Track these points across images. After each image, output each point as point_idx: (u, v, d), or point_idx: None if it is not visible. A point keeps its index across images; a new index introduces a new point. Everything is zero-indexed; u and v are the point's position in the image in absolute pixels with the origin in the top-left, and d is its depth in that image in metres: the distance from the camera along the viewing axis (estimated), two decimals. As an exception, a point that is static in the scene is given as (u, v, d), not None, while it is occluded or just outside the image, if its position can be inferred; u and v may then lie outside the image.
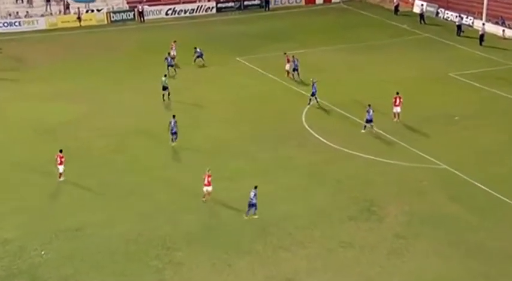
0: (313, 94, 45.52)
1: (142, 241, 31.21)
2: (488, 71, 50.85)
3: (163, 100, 46.53)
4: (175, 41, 54.06)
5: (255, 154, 39.53)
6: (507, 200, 34.15)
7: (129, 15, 67.71)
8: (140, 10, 67.50)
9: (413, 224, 32.43)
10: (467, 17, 63.08)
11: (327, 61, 54.83)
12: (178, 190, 35.56)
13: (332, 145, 40.41)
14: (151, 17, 68.00)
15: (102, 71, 53.18)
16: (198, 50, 53.23)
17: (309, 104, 44.93)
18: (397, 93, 42.85)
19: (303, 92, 48.20)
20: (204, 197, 34.19)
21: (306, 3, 72.98)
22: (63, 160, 36.13)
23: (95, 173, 37.17)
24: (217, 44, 59.34)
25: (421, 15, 65.38)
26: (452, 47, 58.15)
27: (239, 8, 71.09)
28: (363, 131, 42.12)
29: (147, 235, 31.68)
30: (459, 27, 61.41)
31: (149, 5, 68.56)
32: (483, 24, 59.72)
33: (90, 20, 66.41)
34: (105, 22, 66.69)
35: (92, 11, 67.24)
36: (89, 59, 55.67)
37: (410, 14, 67.61)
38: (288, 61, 50.75)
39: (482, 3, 62.29)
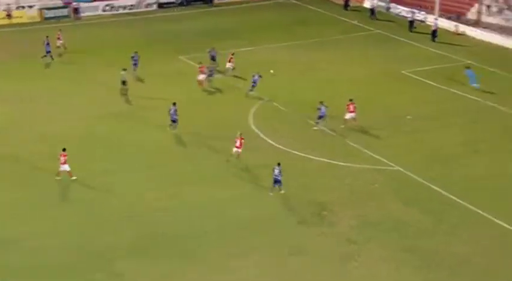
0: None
1: (82, 253, 31.14)
2: (441, 68, 51.93)
3: (122, 95, 47.50)
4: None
5: (201, 158, 39.72)
6: (462, 202, 35.00)
7: (63, 12, 67.14)
8: (75, 6, 67.00)
9: (366, 228, 33.02)
10: (419, 12, 64.28)
11: (276, 59, 55.26)
12: (120, 199, 35.55)
13: (281, 147, 40.81)
14: (87, 13, 67.59)
15: (32, 73, 52.53)
16: (135, 57, 51.35)
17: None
18: (351, 100, 43.03)
19: (250, 92, 48.55)
20: (231, 155, 38.16)
21: (253, -3, 73.47)
22: (66, 158, 36.55)
23: (30, 181, 36.88)
24: (158, 42, 59.33)
25: (372, 11, 66.40)
26: (405, 43, 59.22)
27: (182, 4, 71.14)
28: (315, 128, 42.64)
29: (87, 246, 31.61)
30: (411, 22, 62.55)
31: (85, 1, 68.13)
32: (436, 19, 60.94)
33: (21, 17, 65.62)
34: (38, 19, 65.99)
35: (23, 7, 66.43)
36: (15, 61, 54.99)
37: (361, 9, 68.60)
38: (230, 60, 50.59)
39: (435, -2, 63.64)
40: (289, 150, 40.40)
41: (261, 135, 42.46)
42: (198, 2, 71.73)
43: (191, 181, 37.21)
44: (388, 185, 36.89)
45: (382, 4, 68.15)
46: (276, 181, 35.72)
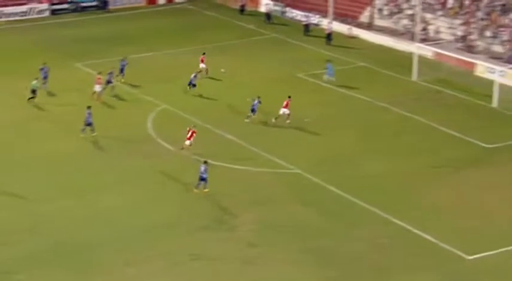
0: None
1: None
2: (336, 71, 52.97)
3: (29, 100, 46.80)
4: None
5: (100, 166, 39.42)
6: (358, 201, 35.86)
7: None
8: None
9: (266, 231, 33.41)
10: (314, 16, 65.46)
11: (175, 64, 55.24)
12: (18, 208, 34.86)
13: (182, 153, 40.84)
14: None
15: None
16: (45, 69, 49.69)
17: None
18: (289, 97, 44.63)
19: (149, 98, 48.44)
20: (182, 148, 39.55)
21: (147, 3, 73.08)
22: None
23: None
24: (53, 49, 58.31)
25: (268, 15, 67.19)
26: (300, 46, 60.15)
27: (75, 10, 70.10)
28: (246, 120, 44.46)
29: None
30: (306, 26, 63.64)
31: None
32: (330, 23, 62.21)
33: None
34: None
35: None
36: None
37: (256, 14, 69.27)
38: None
39: (328, 2, 64.78)
40: (189, 155, 40.45)
41: (161, 141, 42.39)
42: (93, 8, 70.84)
43: (92, 188, 36.88)
44: (287, 188, 37.45)
45: (278, 8, 69.05)
46: (202, 179, 36.10)
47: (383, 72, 53.91)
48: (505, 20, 56.42)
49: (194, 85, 49.35)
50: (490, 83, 48.76)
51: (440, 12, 60.88)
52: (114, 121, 45.14)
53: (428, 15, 60.75)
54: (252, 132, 43.50)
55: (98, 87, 47.87)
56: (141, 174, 38.58)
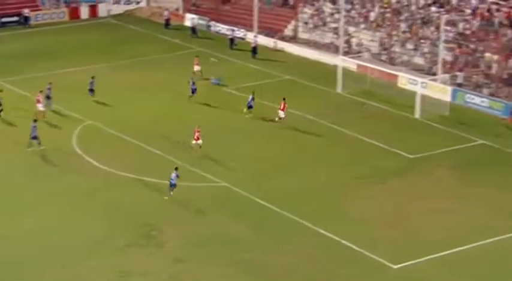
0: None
1: None
2: (262, 84, 53.30)
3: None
4: None
5: (22, 184, 38.69)
6: (288, 214, 36.04)
7: None
8: None
9: (195, 246, 33.27)
10: (238, 30, 65.79)
11: (100, 79, 54.60)
12: None
13: (107, 168, 40.44)
14: None
15: None
16: None
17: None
18: (284, 99, 46.53)
19: (73, 114, 47.83)
20: (191, 148, 41.61)
21: (70, 18, 72.19)
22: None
23: None
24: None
25: (193, 29, 67.22)
26: (226, 60, 60.27)
27: (-5, 26, 68.90)
28: (246, 116, 46.65)
29: None
30: (232, 40, 63.90)
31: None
32: (255, 36, 62.63)
33: None
34: None
35: None
36: None
37: (181, 28, 69.16)
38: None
39: (253, 16, 65.30)
40: (116, 171, 40.08)
41: (86, 157, 41.88)
42: (13, 24, 69.55)
43: (15, 207, 36.29)
44: (215, 202, 37.42)
45: (203, 22, 69.16)
46: (172, 185, 36.87)
47: (308, 85, 54.47)
48: (426, 32, 57.78)
49: (193, 91, 50.11)
50: (412, 94, 49.81)
51: (363, 25, 61.97)
52: (39, 137, 44.32)
53: (352, 29, 61.77)
54: (179, 146, 43.31)
55: (40, 106, 46.76)
56: (65, 191, 38.01)
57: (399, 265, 31.93)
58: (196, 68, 54.72)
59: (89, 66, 57.68)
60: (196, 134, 41.83)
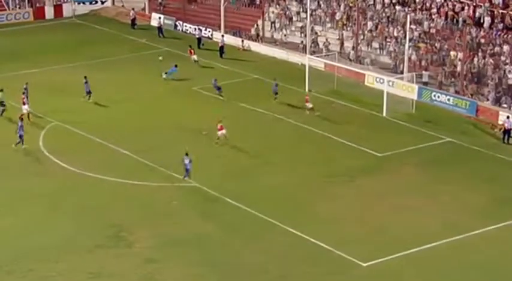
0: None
1: None
2: (230, 84, 53.24)
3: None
4: None
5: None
6: (255, 212, 36.07)
7: None
8: None
9: (165, 246, 33.16)
10: (205, 29, 65.68)
11: (64, 80, 54.23)
12: None
13: (75, 169, 40.19)
14: None
15: None
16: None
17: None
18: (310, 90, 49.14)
19: (39, 115, 47.42)
20: (218, 139, 43.22)
21: (34, 19, 71.51)
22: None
23: None
24: None
25: (160, 29, 66.94)
26: (190, 60, 60.00)
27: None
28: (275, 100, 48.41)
29: None
30: (199, 39, 63.76)
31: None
32: (222, 36, 62.56)
33: None
34: None
35: None
36: None
37: (148, 28, 68.82)
38: None
39: (220, 15, 65.25)
40: (83, 172, 39.82)
41: (53, 158, 41.55)
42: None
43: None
44: (185, 202, 37.33)
45: (169, 22, 68.92)
46: (187, 170, 38.54)
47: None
48: (391, 31, 58.17)
49: (219, 89, 51.04)
50: (380, 93, 50.14)
51: (329, 25, 62.21)
52: (4, 139, 43.90)
53: (318, 28, 61.98)
54: (148, 146, 43.15)
55: (26, 108, 46.24)
56: (32, 193, 37.67)
57: (369, 263, 32.12)
58: (194, 57, 57.73)
59: (53, 66, 57.30)
60: (220, 125, 43.23)
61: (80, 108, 49.09)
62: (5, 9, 71.26)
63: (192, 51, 58.63)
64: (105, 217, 35.46)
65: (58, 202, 36.96)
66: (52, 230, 34.36)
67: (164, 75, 54.67)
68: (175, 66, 55.19)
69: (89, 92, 49.96)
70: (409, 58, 53.55)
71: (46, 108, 48.41)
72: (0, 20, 69.73)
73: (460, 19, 55.91)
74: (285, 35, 63.56)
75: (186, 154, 38.73)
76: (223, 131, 43.32)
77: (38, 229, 34.41)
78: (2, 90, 47.92)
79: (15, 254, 32.14)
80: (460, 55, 52.64)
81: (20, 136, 42.35)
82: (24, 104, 46.55)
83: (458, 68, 52.74)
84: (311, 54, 56.03)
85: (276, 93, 50.40)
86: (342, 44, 59.68)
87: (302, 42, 60.79)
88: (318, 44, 60.20)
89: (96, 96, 50.38)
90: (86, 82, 50.06)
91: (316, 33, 61.20)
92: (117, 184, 38.84)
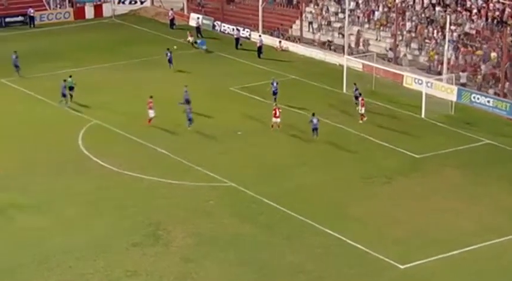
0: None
1: None
2: (267, 84, 53.18)
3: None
4: None
5: (27, 185, 38.58)
6: (292, 213, 35.97)
7: None
8: None
9: (202, 246, 33.20)
10: (243, 30, 65.71)
11: (105, 80, 54.68)
12: None
13: (113, 168, 40.41)
14: None
15: None
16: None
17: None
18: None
19: (79, 114, 47.81)
20: (272, 126, 44.66)
21: (75, 18, 72.22)
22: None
23: None
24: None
25: (198, 29, 67.16)
26: (232, 60, 60.21)
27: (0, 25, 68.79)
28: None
29: None
30: (237, 39, 63.83)
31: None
32: (260, 36, 62.55)
33: None
34: None
35: None
36: None
37: (186, 28, 69.04)
38: None
39: (258, 15, 65.26)
40: (122, 171, 40.04)
41: (92, 157, 41.84)
42: (18, 24, 69.59)
43: (21, 209, 36.17)
44: (222, 202, 37.33)
45: (208, 22, 69.10)
46: (314, 129, 42.54)
47: (313, 84, 54.39)
48: (431, 32, 57.61)
49: (274, 92, 49.85)
50: (418, 94, 49.68)
51: (367, 25, 61.84)
52: (45, 138, 44.36)
53: (357, 28, 61.64)
54: (184, 146, 43.28)
55: (152, 112, 45.80)
56: (71, 191, 37.95)
57: (406, 265, 31.81)
58: (189, 39, 62.31)
59: (93, 66, 57.78)
60: (277, 111, 44.72)
61: (118, 107, 49.36)
62: (46, 9, 72.06)
63: (190, 33, 63.48)
64: (143, 216, 35.60)
65: (97, 200, 37.18)
66: (90, 228, 34.59)
67: (195, 43, 61.91)
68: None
69: (187, 101, 47.63)
70: (448, 59, 52.96)
71: (85, 107, 48.78)
72: (42, 19, 70.51)
73: (501, 20, 55.17)
74: (323, 35, 63.33)
75: (313, 114, 43.42)
76: (278, 120, 44.72)
77: (77, 227, 34.66)
78: (71, 76, 49.30)
79: (54, 251, 32.40)
80: (501, 56, 51.94)
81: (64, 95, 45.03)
82: (150, 108, 45.94)
83: (498, 70, 52.05)
84: (349, 54, 55.69)
85: (356, 98, 48.37)
86: (381, 44, 59.25)
87: (338, 43, 60.41)
88: (358, 44, 59.87)
89: (135, 96, 50.62)
90: (186, 91, 48.47)
91: (354, 34, 60.85)
92: (154, 182, 38.98)
